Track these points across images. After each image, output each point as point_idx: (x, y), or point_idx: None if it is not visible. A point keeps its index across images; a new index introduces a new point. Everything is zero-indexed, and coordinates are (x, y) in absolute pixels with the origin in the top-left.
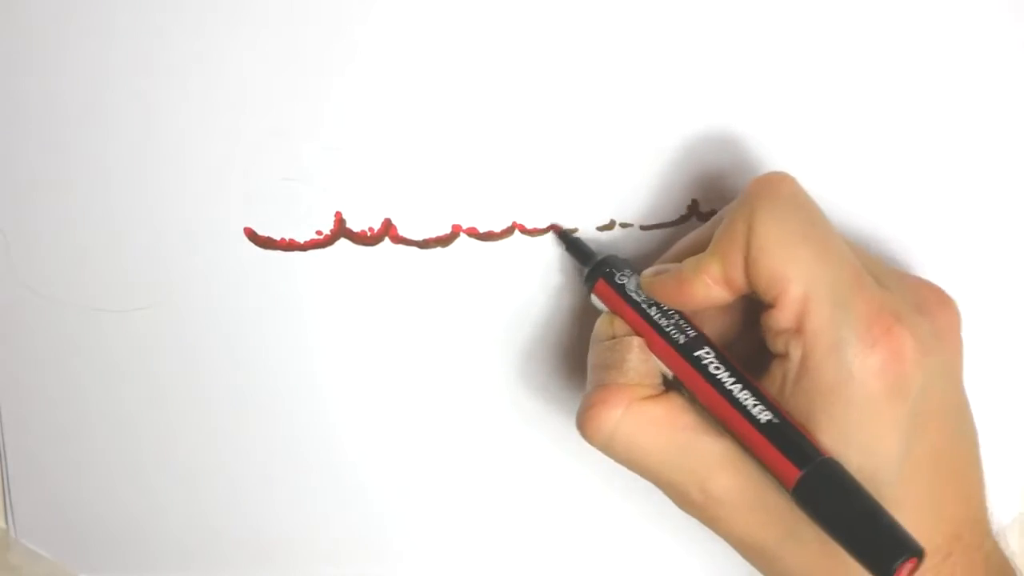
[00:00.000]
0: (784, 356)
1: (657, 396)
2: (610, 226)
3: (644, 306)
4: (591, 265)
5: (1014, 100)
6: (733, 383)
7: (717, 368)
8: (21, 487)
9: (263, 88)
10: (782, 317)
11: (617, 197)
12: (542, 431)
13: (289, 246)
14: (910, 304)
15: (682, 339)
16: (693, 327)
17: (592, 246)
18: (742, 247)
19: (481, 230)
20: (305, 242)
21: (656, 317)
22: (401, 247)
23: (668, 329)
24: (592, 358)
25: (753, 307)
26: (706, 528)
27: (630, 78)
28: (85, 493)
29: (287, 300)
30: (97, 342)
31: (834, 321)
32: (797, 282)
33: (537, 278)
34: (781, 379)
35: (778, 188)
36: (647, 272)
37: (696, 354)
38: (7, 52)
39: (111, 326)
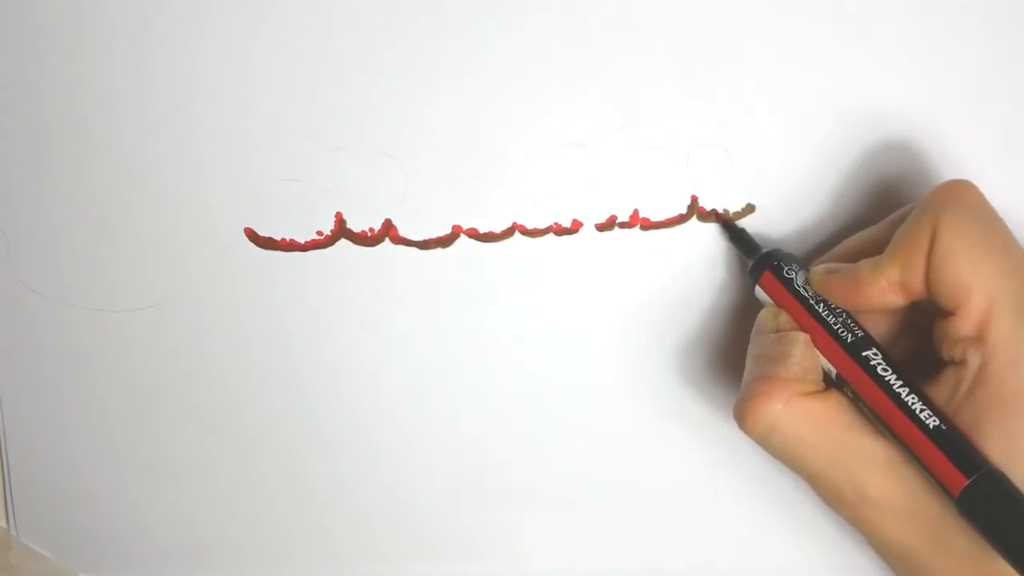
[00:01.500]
0: (961, 364)
1: (819, 392)
2: (609, 224)
3: (812, 302)
4: (757, 257)
5: None
6: (900, 386)
7: (885, 370)
8: (21, 487)
9: (263, 88)
10: (963, 325)
11: (616, 197)
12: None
13: (290, 246)
14: None
15: (850, 338)
16: (860, 327)
17: (757, 240)
18: (924, 254)
19: (481, 231)
20: (305, 242)
21: (824, 314)
22: (401, 247)
23: (836, 327)
24: (755, 349)
25: (913, 313)
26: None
27: (632, 78)
28: (85, 493)
29: (287, 300)
30: (97, 342)
31: (1017, 333)
32: (980, 292)
33: (539, 278)
34: (954, 386)
35: (963, 196)
36: (818, 269)
37: (864, 354)
38: (7, 52)
39: (111, 326)
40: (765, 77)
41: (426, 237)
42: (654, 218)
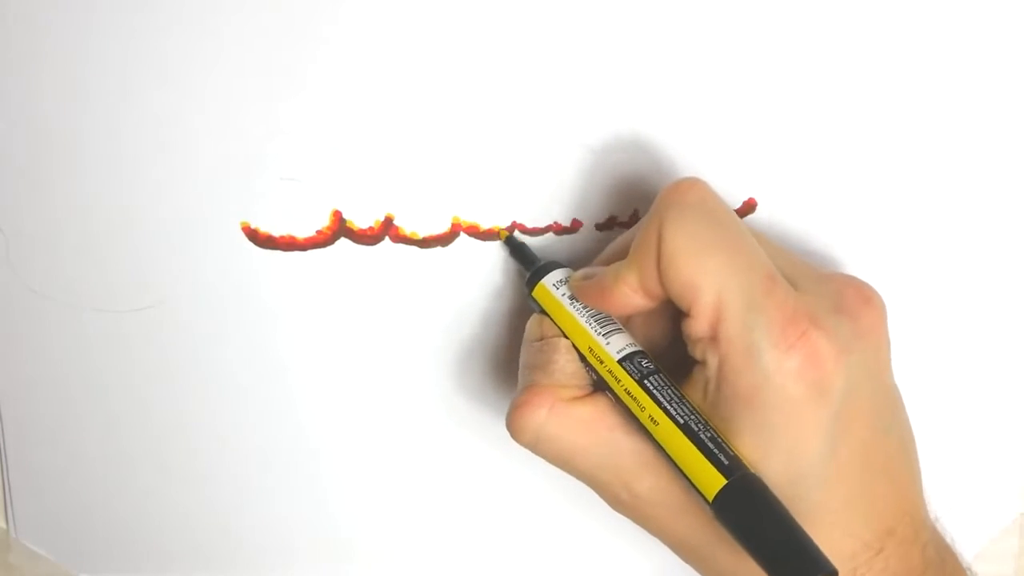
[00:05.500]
0: (703, 363)
1: (584, 397)
2: (609, 224)
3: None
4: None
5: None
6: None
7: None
8: (21, 487)
9: (262, 87)
10: (696, 325)
11: (616, 196)
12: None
13: (289, 245)
14: (828, 305)
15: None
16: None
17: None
18: (654, 257)
19: (482, 228)
20: (305, 240)
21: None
22: (401, 246)
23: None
24: (522, 358)
25: (680, 313)
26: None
27: (632, 78)
28: (85, 493)
29: (287, 299)
30: (97, 342)
31: (747, 327)
32: (708, 290)
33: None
34: (703, 386)
35: (686, 195)
36: (576, 275)
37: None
38: (7, 52)
39: (111, 326)
40: (765, 76)
41: (426, 235)
42: None
